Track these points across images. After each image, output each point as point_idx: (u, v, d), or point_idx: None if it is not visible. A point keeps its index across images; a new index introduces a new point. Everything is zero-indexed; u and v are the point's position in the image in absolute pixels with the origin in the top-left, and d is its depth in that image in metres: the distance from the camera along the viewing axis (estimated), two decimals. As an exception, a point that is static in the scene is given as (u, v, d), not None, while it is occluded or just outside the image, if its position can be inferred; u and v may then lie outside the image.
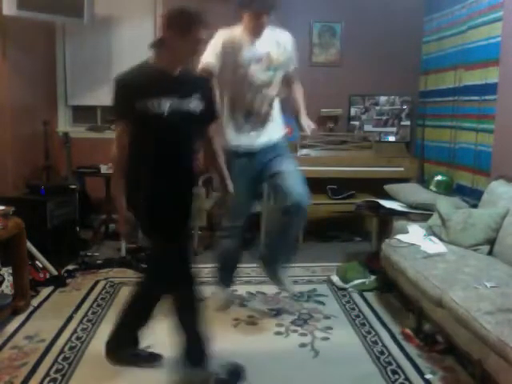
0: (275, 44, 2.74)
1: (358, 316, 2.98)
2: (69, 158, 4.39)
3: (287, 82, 2.91)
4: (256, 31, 2.67)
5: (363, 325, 2.87)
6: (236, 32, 2.72)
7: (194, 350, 2.21)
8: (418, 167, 4.56)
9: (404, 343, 2.63)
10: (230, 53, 2.66)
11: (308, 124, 2.88)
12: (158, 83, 2.04)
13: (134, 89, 2.00)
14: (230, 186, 2.45)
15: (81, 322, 2.83)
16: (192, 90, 2.12)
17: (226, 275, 3.09)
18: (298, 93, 2.96)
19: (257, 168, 2.79)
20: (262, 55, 2.70)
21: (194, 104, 2.11)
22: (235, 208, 2.84)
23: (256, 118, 2.77)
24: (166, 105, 2.01)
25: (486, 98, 3.59)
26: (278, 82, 2.79)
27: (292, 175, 2.72)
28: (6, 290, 2.85)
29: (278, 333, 2.76)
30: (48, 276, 3.36)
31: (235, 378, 2.27)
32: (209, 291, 3.31)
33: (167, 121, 2.03)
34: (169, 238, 2.15)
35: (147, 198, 2.10)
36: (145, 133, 2.05)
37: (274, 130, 2.85)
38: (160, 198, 2.11)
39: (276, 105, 2.85)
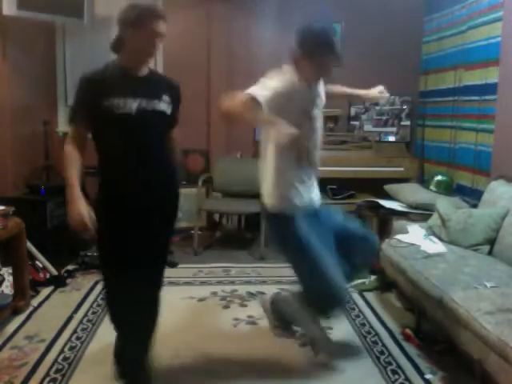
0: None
1: (358, 316, 2.98)
2: (69, 158, 4.38)
3: None
4: (318, 79, 2.34)
5: (363, 325, 2.87)
6: (292, 78, 2.23)
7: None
8: (418, 167, 4.56)
9: (404, 343, 2.64)
10: (292, 103, 2.17)
11: (379, 90, 2.59)
12: (123, 83, 1.98)
13: (100, 88, 1.94)
14: None
15: (81, 321, 2.83)
16: (161, 91, 2.05)
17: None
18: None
19: (322, 221, 2.34)
20: (321, 99, 2.38)
21: (164, 105, 2.04)
22: (329, 269, 2.17)
23: (314, 169, 2.37)
24: (133, 104, 1.94)
25: (486, 98, 3.59)
26: None
27: (351, 221, 2.49)
28: (6, 290, 2.85)
29: (278, 333, 2.76)
30: (48, 276, 3.36)
31: None
32: (208, 291, 3.32)
33: (136, 120, 1.95)
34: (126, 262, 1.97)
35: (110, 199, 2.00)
36: (111, 133, 1.97)
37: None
38: (127, 199, 1.99)
39: None
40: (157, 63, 4.86)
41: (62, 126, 4.90)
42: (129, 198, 1.98)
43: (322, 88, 2.41)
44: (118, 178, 2.00)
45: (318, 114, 2.35)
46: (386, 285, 3.28)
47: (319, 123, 2.36)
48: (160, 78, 2.14)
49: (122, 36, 2.01)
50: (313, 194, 2.37)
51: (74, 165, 1.94)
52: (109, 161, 2.01)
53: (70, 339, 2.63)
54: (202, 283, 3.50)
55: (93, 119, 1.96)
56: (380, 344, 2.63)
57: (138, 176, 1.99)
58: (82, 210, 1.91)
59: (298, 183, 2.28)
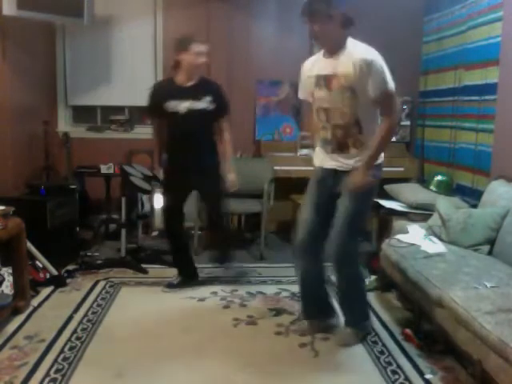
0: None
1: (358, 316, 2.98)
2: (69, 158, 4.39)
3: None
4: (320, 46, 2.56)
5: (363, 325, 2.87)
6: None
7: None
8: (418, 167, 4.55)
9: (404, 343, 2.64)
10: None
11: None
12: (175, 91, 3.03)
13: (160, 94, 3.08)
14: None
15: (81, 322, 2.83)
16: (202, 94, 3.04)
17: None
18: None
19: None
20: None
21: (204, 104, 3.04)
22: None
23: None
24: (182, 106, 3.01)
25: (486, 98, 3.59)
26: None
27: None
28: (6, 290, 2.85)
29: (278, 333, 2.76)
30: (48, 276, 3.36)
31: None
32: (208, 291, 3.32)
33: (184, 117, 3.02)
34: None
35: (168, 162, 3.23)
36: (169, 123, 3.12)
37: None
38: (175, 162, 3.19)
39: None
40: (157, 63, 4.87)
41: (62, 126, 4.91)
42: (178, 163, 3.19)
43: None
44: (172, 152, 3.19)
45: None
46: (385, 285, 3.28)
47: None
48: (202, 84, 3.10)
49: (176, 59, 3.03)
50: None
51: (157, 142, 3.28)
52: (169, 142, 3.19)
53: (69, 339, 2.62)
54: (202, 283, 3.50)
55: (160, 114, 3.10)
56: (380, 344, 2.63)
57: (184, 152, 3.12)
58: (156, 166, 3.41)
59: None
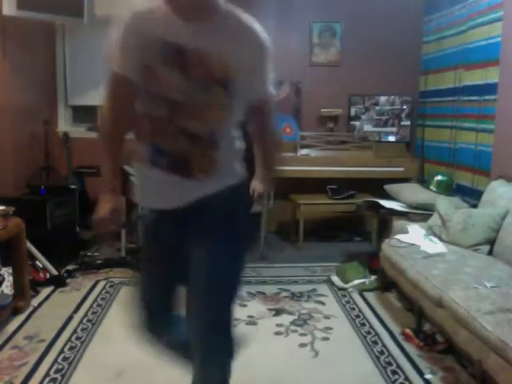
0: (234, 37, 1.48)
1: (358, 316, 2.98)
2: (69, 158, 4.38)
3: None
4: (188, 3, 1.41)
5: (363, 325, 2.87)
6: (155, 4, 1.44)
7: None
8: (418, 167, 4.55)
9: (404, 343, 2.64)
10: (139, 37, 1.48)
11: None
12: None
13: None
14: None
15: (81, 322, 2.83)
16: None
17: None
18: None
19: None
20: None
21: None
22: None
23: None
24: None
25: (486, 97, 3.59)
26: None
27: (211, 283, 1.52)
28: (6, 290, 2.85)
29: (278, 333, 2.76)
30: (48, 276, 3.36)
31: None
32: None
33: None
34: None
35: None
36: None
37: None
38: None
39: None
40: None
41: (62, 126, 4.90)
42: None
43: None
44: None
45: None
46: (385, 285, 3.28)
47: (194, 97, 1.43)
48: None
49: None
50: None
51: None
52: None
53: (70, 339, 2.63)
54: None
55: None
56: (380, 344, 2.63)
57: None
58: None
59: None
